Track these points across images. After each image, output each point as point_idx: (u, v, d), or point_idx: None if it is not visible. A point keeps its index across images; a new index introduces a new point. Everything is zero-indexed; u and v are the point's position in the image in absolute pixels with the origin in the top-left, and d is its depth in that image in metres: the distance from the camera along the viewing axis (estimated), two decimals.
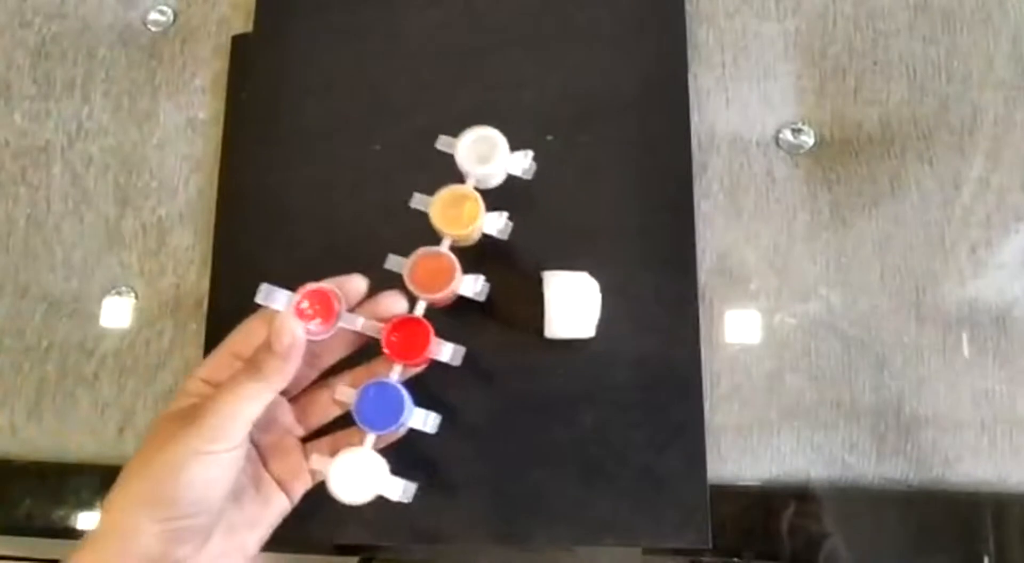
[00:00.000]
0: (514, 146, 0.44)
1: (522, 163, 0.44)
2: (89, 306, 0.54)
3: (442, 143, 0.44)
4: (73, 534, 0.50)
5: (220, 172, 0.54)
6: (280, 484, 0.41)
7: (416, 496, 0.40)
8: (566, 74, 0.53)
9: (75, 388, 0.52)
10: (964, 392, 0.49)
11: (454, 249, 0.42)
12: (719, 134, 0.53)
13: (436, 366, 0.42)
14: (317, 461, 0.40)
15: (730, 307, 0.50)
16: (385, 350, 0.40)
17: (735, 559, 0.48)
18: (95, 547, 0.36)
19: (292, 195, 0.53)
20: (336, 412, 0.42)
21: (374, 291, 0.42)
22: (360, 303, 0.42)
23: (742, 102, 0.53)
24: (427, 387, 0.42)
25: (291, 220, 0.52)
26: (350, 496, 0.38)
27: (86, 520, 0.50)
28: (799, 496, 0.48)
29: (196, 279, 0.53)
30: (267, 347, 0.37)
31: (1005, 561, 0.47)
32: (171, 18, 0.58)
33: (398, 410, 0.39)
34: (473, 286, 0.42)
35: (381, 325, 0.41)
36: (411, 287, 0.41)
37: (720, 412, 0.49)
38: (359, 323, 0.40)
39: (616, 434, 0.48)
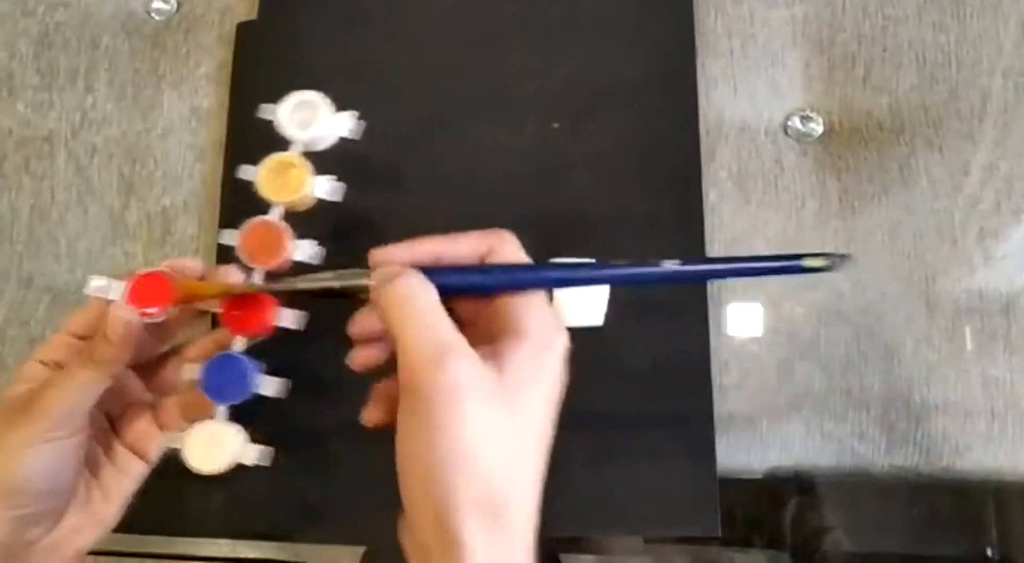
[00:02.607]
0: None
1: (348, 124, 0.43)
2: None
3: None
4: None
5: (224, 161, 0.54)
6: (134, 450, 0.42)
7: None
8: (573, 62, 0.53)
9: None
10: (974, 380, 0.48)
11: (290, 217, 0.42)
12: (727, 122, 0.53)
13: None
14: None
15: (739, 296, 0.50)
16: (225, 325, 0.40)
17: (744, 548, 0.48)
18: None
19: None
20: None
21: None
22: (199, 280, 0.42)
23: (750, 90, 0.53)
24: None
25: None
26: (207, 466, 0.39)
27: None
28: (808, 485, 0.48)
29: None
30: (103, 336, 0.38)
31: (1015, 549, 0.47)
32: (174, 7, 0.58)
33: (245, 380, 0.40)
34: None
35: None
36: (243, 258, 0.41)
37: (729, 401, 0.49)
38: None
39: (624, 423, 0.47)
